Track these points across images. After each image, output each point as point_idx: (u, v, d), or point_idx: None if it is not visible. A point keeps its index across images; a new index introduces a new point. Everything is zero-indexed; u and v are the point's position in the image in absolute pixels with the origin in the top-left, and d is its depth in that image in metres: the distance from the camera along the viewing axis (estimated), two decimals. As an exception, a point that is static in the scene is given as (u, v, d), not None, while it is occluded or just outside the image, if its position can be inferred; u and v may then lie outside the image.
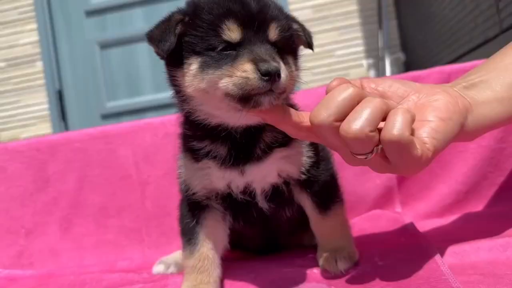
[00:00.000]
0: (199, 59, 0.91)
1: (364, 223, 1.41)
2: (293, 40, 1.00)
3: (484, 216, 1.36)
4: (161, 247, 1.57)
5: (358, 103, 0.81)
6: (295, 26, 1.01)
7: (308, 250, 1.21)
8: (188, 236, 1.08)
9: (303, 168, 1.06)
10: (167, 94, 3.88)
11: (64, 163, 1.63)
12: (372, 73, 4.58)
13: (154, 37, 0.95)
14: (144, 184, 1.60)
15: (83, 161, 1.62)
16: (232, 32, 0.89)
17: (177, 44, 0.93)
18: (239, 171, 1.03)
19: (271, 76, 0.83)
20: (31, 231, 1.62)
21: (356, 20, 4.75)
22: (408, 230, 1.23)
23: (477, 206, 1.45)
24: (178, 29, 0.93)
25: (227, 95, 0.88)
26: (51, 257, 1.60)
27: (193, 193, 1.07)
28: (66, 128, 4.90)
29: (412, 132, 0.80)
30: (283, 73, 0.86)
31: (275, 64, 0.84)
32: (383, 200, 1.52)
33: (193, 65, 0.92)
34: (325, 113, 0.81)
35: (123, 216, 1.60)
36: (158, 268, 1.31)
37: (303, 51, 1.10)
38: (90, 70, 4.88)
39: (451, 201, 1.46)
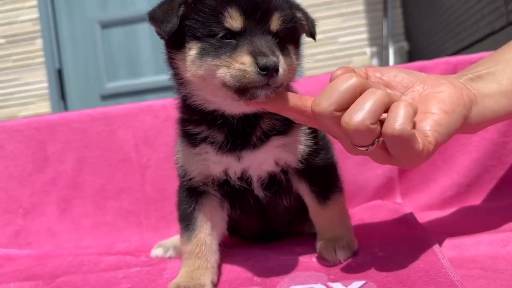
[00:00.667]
0: (199, 45, 0.90)
1: (364, 213, 1.41)
2: (295, 30, 0.99)
3: (484, 209, 1.36)
4: (160, 231, 1.57)
5: (360, 94, 0.80)
6: (298, 14, 1.00)
7: (307, 238, 1.20)
8: (186, 222, 1.08)
9: (301, 157, 1.05)
10: (167, 77, 3.86)
11: (63, 144, 1.61)
12: (375, 61, 4.55)
13: (156, 17, 0.94)
14: (144, 167, 1.59)
15: (83, 142, 1.61)
16: (233, 20, 0.88)
17: (179, 26, 0.92)
18: (235, 156, 1.02)
19: (269, 71, 0.83)
20: (29, 211, 1.62)
21: (360, 7, 4.70)
22: (408, 220, 1.23)
23: (478, 199, 1.45)
24: (181, 10, 0.92)
25: (224, 85, 0.87)
26: (48, 238, 1.60)
27: (190, 179, 1.07)
28: (65, 107, 4.87)
29: (414, 125, 0.80)
30: (281, 68, 0.85)
31: (273, 59, 0.84)
32: (384, 190, 1.51)
33: (192, 50, 0.91)
34: (327, 102, 0.80)
35: (122, 199, 1.60)
36: (156, 252, 1.31)
37: (305, 38, 1.09)
38: (90, 49, 4.84)
39: (452, 193, 1.46)
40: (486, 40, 2.78)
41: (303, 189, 1.10)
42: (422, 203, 1.48)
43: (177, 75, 1.00)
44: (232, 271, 1.09)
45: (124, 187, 1.60)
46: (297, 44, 1.02)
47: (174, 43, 0.95)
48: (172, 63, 0.99)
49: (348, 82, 0.80)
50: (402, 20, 4.64)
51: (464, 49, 3.16)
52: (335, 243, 1.06)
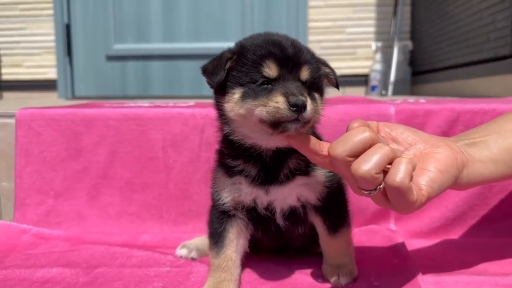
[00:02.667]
0: (241, 90, 1.10)
1: (362, 236, 1.61)
2: (320, 80, 1.19)
3: (465, 245, 1.58)
4: (179, 226, 1.76)
5: (370, 146, 0.98)
6: (326, 70, 1.21)
7: (314, 258, 1.41)
8: (216, 239, 1.27)
9: (320, 196, 1.25)
10: (175, 45, 4.05)
11: (98, 137, 1.76)
12: (378, 56, 4.68)
13: (207, 70, 1.15)
14: (170, 167, 1.76)
15: (116, 138, 1.76)
16: (270, 70, 1.08)
17: (225, 76, 1.13)
18: (264, 190, 1.22)
19: (298, 108, 1.02)
20: (60, 194, 1.78)
21: (372, 0, 4.77)
22: (401, 251, 1.44)
23: (460, 232, 1.66)
24: (228, 65, 1.12)
25: (261, 120, 1.06)
26: (77, 220, 1.77)
27: (223, 203, 1.26)
28: (71, 64, 4.92)
29: (411, 179, 0.97)
30: (309, 106, 1.04)
31: (302, 98, 1.03)
32: (380, 214, 1.71)
33: (236, 94, 1.11)
34: (342, 148, 0.97)
35: (147, 193, 1.77)
36: (181, 252, 1.50)
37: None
38: (100, 8, 4.84)
39: (439, 224, 1.67)
40: (488, 63, 2.93)
41: (317, 222, 1.30)
42: (412, 229, 1.69)
43: (222, 115, 1.19)
44: (250, 282, 1.30)
45: (149, 183, 1.77)
46: (321, 92, 1.21)
47: (221, 90, 1.15)
48: (218, 105, 1.18)
49: (362, 135, 0.98)
50: (410, 19, 4.74)
51: (465, 66, 3.31)
52: (339, 269, 1.28)
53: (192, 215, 1.74)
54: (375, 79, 4.62)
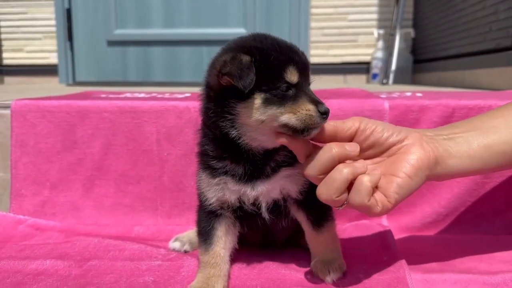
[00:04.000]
0: (263, 95, 1.11)
1: (353, 231, 1.62)
2: None
3: (456, 241, 1.58)
4: (173, 218, 1.77)
5: (339, 162, 1.07)
6: None
7: (303, 253, 1.42)
8: (204, 237, 1.30)
9: (302, 189, 1.27)
10: (176, 30, 4.04)
11: (92, 129, 1.77)
12: (380, 44, 4.64)
13: (233, 73, 1.08)
14: (164, 160, 1.76)
15: (110, 130, 1.76)
16: (293, 76, 1.11)
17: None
18: (250, 186, 1.23)
19: (327, 115, 1.09)
20: (56, 185, 1.79)
21: (375, -14, 4.73)
22: (391, 249, 1.45)
23: (452, 228, 1.67)
24: (254, 67, 1.10)
25: (285, 126, 1.10)
26: (72, 211, 1.79)
27: (209, 204, 1.28)
28: (72, 49, 4.91)
29: (375, 189, 1.07)
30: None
31: (326, 106, 1.10)
32: (373, 209, 1.72)
33: (257, 100, 1.11)
34: (312, 170, 1.10)
35: (141, 185, 1.78)
36: (174, 245, 1.52)
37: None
38: (101, -7, 4.82)
39: (431, 220, 1.68)
40: (489, 55, 2.91)
41: (301, 218, 1.32)
42: (404, 224, 1.69)
43: (229, 119, 1.15)
44: (240, 278, 1.31)
45: (144, 175, 1.78)
46: None
47: (237, 95, 1.11)
48: (232, 110, 1.14)
49: (328, 153, 1.07)
50: (412, 6, 4.70)
51: (467, 56, 3.29)
52: (329, 265, 1.29)
53: (186, 208, 1.76)
54: (376, 67, 4.59)
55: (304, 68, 1.14)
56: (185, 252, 1.50)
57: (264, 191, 1.24)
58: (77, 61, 4.94)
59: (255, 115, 1.11)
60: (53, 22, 4.95)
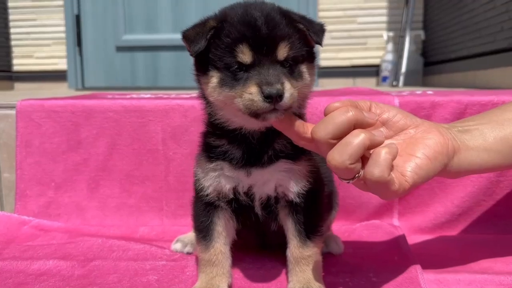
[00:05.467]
0: (219, 75, 1.03)
1: (363, 231, 1.58)
2: (304, 50, 1.08)
3: (470, 241, 1.53)
4: (178, 218, 1.74)
5: (354, 127, 0.93)
6: (300, 26, 1.07)
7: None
8: (203, 233, 1.21)
9: (300, 190, 1.15)
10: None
11: (97, 129, 1.75)
12: (390, 46, 4.59)
13: (188, 36, 1.06)
14: (169, 159, 1.74)
15: (115, 130, 1.74)
16: (244, 55, 1.01)
17: (205, 53, 1.05)
18: (246, 172, 1.14)
19: (273, 98, 0.95)
20: (61, 186, 1.77)
21: (384, -11, 4.69)
22: (402, 249, 1.40)
23: (466, 228, 1.62)
24: (210, 34, 1.04)
25: (240, 110, 1.01)
26: (76, 211, 1.77)
27: (206, 194, 1.19)
28: (81, 54, 4.93)
29: (392, 168, 0.92)
30: (287, 93, 0.97)
31: (277, 86, 0.96)
32: (383, 208, 1.67)
33: (213, 79, 1.04)
34: (324, 131, 0.93)
35: (146, 185, 1.75)
36: (176, 246, 1.48)
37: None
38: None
39: (444, 220, 1.62)
40: (501, 54, 2.84)
41: (288, 225, 1.18)
42: (416, 224, 1.64)
43: (203, 95, 1.14)
44: (246, 278, 1.28)
45: (149, 175, 1.75)
46: (311, 58, 1.11)
47: (201, 68, 1.08)
48: (199, 85, 1.12)
49: (344, 116, 0.93)
50: (422, 8, 4.64)
51: (478, 56, 3.23)
52: None
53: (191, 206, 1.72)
54: (386, 69, 4.54)
55: (263, 45, 1.00)
56: (188, 253, 1.46)
57: (259, 181, 1.15)
58: (86, 67, 4.96)
59: (214, 95, 1.05)
60: (62, 28, 4.97)
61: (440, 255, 1.44)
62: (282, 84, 0.97)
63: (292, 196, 1.16)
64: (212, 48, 1.04)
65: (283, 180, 1.16)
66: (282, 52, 1.02)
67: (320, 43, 1.09)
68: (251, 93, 0.97)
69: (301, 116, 1.15)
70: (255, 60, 1.00)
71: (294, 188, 1.15)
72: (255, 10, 1.05)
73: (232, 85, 1.01)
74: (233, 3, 1.12)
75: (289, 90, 0.98)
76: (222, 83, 1.02)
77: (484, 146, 1.11)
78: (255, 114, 0.98)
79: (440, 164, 1.02)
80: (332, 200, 1.44)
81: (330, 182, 1.42)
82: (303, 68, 1.07)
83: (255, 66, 1.00)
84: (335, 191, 1.48)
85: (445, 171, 1.06)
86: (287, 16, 1.07)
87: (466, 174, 1.15)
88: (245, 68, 1.01)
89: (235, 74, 1.01)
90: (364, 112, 0.97)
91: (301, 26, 1.07)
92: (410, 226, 1.65)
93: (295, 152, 1.13)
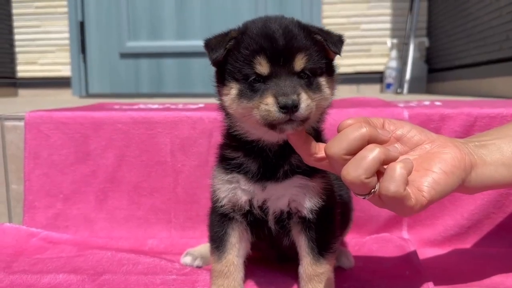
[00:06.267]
0: (238, 86, 1.05)
1: (373, 244, 1.57)
2: (323, 61, 1.08)
3: (480, 255, 1.53)
4: (187, 230, 1.74)
5: (368, 143, 0.93)
6: (318, 37, 1.07)
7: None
8: (217, 244, 1.22)
9: (314, 206, 1.15)
10: (188, 42, 4.01)
11: (106, 141, 1.74)
12: (394, 53, 4.60)
13: (209, 44, 1.09)
14: (178, 171, 1.73)
15: (124, 142, 1.74)
16: (261, 67, 1.02)
17: (225, 65, 1.07)
18: (261, 185, 1.15)
19: (288, 109, 0.96)
20: (69, 198, 1.77)
21: (388, -4, 4.70)
22: (413, 263, 1.39)
23: (475, 241, 1.61)
24: (229, 44, 1.06)
25: (258, 122, 1.02)
26: (85, 224, 1.76)
27: (221, 205, 1.20)
28: (85, 61, 4.94)
29: (408, 183, 0.90)
30: (304, 104, 0.98)
31: (293, 97, 0.96)
32: (393, 221, 1.66)
33: (233, 90, 1.06)
34: (338, 147, 0.93)
35: (155, 197, 1.75)
36: (185, 259, 1.48)
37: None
38: (114, 5, 4.86)
39: (454, 233, 1.62)
40: (507, 63, 2.84)
41: (301, 241, 1.18)
42: (426, 237, 1.64)
43: (222, 107, 1.14)
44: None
45: (157, 187, 1.75)
46: (330, 72, 1.11)
47: (221, 80, 1.10)
48: (219, 95, 1.13)
49: (358, 132, 0.92)
50: (426, 15, 4.65)
51: (483, 65, 3.23)
52: None
53: (200, 220, 1.72)
54: (390, 76, 4.54)
55: (280, 56, 1.01)
56: (197, 267, 1.45)
57: (273, 195, 1.15)
58: (90, 74, 4.97)
59: (233, 106, 1.06)
60: (66, 35, 4.99)
61: (450, 269, 1.43)
62: (299, 95, 0.98)
63: (305, 212, 1.16)
64: (232, 59, 1.06)
65: (297, 196, 1.15)
66: (299, 63, 1.03)
67: (338, 53, 1.09)
68: (267, 104, 0.98)
69: (319, 132, 1.17)
70: (272, 71, 1.02)
71: (308, 204, 1.15)
72: (273, 23, 1.07)
73: (250, 96, 1.02)
74: (256, 17, 1.14)
75: (305, 101, 0.98)
76: (240, 95, 1.04)
77: (502, 160, 1.09)
78: (272, 125, 0.99)
79: (457, 179, 1.00)
80: (347, 217, 1.44)
81: (346, 198, 1.41)
82: (322, 81, 1.08)
83: (272, 78, 1.01)
84: (351, 207, 1.48)
85: (463, 187, 1.04)
86: (305, 28, 1.08)
87: (484, 190, 1.13)
88: (263, 79, 1.02)
89: (253, 86, 1.03)
90: (377, 129, 0.97)
91: (318, 37, 1.07)
92: (420, 239, 1.64)
93: (311, 169, 1.12)
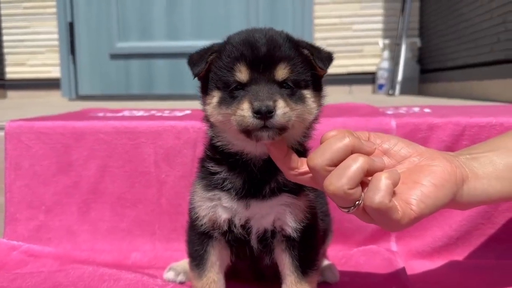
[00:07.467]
0: (219, 94, 1.03)
1: (360, 257, 1.54)
2: (309, 75, 1.05)
3: (469, 267, 1.50)
4: (171, 242, 1.70)
5: (352, 154, 0.89)
6: (305, 51, 1.05)
7: None
8: (197, 261, 1.19)
9: (299, 225, 1.12)
10: (179, 43, 3.97)
11: (88, 151, 1.71)
12: (386, 53, 4.58)
13: (191, 60, 1.09)
14: (162, 182, 1.70)
15: (106, 152, 1.70)
16: (241, 73, 1.00)
17: (207, 71, 1.07)
18: (245, 203, 1.11)
19: (262, 114, 0.93)
20: (51, 209, 1.73)
21: (380, -4, 4.67)
22: (401, 277, 1.37)
23: (464, 253, 1.59)
24: (210, 58, 1.05)
25: (235, 129, 0.99)
26: (67, 236, 1.72)
27: (201, 224, 1.16)
28: (74, 62, 4.88)
29: (394, 195, 0.87)
30: (280, 111, 0.94)
31: (268, 103, 0.93)
32: (381, 232, 1.63)
33: (214, 98, 1.04)
34: (320, 158, 0.89)
35: (138, 208, 1.71)
36: (168, 275, 1.44)
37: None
38: (104, 6, 4.79)
39: (442, 244, 1.59)
40: (499, 66, 2.82)
41: (284, 260, 1.15)
42: (414, 249, 1.61)
43: (206, 118, 1.12)
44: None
45: (141, 198, 1.71)
46: (318, 87, 1.08)
47: (204, 90, 1.09)
48: (203, 106, 1.11)
49: (342, 142, 0.89)
50: (418, 15, 4.63)
51: (475, 67, 3.21)
52: None
53: (185, 232, 1.68)
54: (382, 77, 4.52)
55: (260, 63, 0.99)
56: (180, 283, 1.42)
57: (257, 214, 1.11)
58: (79, 75, 4.91)
59: (214, 114, 1.04)
60: (55, 36, 4.93)
61: (439, 282, 1.41)
62: (275, 101, 0.95)
63: (289, 231, 1.12)
64: (214, 68, 1.05)
65: (282, 214, 1.12)
66: (281, 72, 1.00)
67: (324, 69, 1.06)
68: (242, 109, 0.96)
69: (305, 149, 1.13)
70: (251, 78, 1.00)
71: (292, 223, 1.12)
72: (258, 33, 1.06)
73: (229, 103, 1.00)
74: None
75: (282, 108, 0.95)
76: (221, 102, 1.02)
77: (496, 174, 1.05)
78: (247, 132, 0.97)
79: (449, 193, 0.95)
80: (326, 231, 1.40)
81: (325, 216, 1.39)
82: (306, 94, 1.04)
83: (251, 85, 0.99)
84: (328, 219, 1.44)
85: (455, 202, 1.00)
86: (293, 41, 1.06)
87: (477, 205, 1.10)
88: (242, 86, 1.00)
89: (233, 93, 1.01)
90: (362, 140, 0.93)
91: (306, 51, 1.05)
92: (408, 250, 1.62)
93: (297, 187, 1.10)
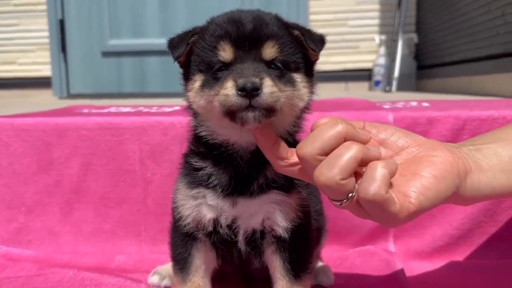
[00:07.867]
0: (202, 77, 0.96)
1: (356, 258, 1.47)
2: (300, 56, 0.97)
3: (470, 267, 1.43)
4: (158, 244, 1.61)
5: (346, 141, 0.81)
6: (295, 32, 0.97)
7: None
8: (181, 265, 1.12)
9: (290, 224, 1.04)
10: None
11: (70, 148, 1.62)
12: (382, 49, 4.51)
13: (172, 43, 1.02)
14: (148, 181, 1.62)
15: (89, 149, 1.62)
16: (225, 52, 0.93)
17: (188, 56, 1.00)
18: (231, 201, 1.02)
19: (247, 91, 0.85)
20: (32, 210, 1.65)
21: (376, -9, 4.60)
22: (399, 279, 1.29)
23: (466, 253, 1.51)
24: (191, 40, 0.98)
25: (218, 112, 0.91)
26: (49, 237, 1.64)
27: (184, 224, 1.09)
28: (65, 61, 4.80)
29: (391, 186, 0.79)
30: (267, 89, 0.87)
31: (253, 79, 0.85)
32: (378, 232, 1.56)
33: (196, 82, 0.97)
34: (310, 146, 0.81)
35: (123, 208, 1.63)
36: (152, 279, 1.36)
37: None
38: (95, 2, 4.72)
39: (443, 243, 1.52)
40: (497, 60, 2.75)
41: (275, 263, 1.08)
42: (413, 249, 1.54)
43: (189, 106, 1.04)
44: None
45: (126, 198, 1.63)
46: (309, 72, 1.00)
47: (186, 76, 1.02)
48: (185, 93, 1.03)
49: (334, 129, 0.81)
50: (415, 10, 4.56)
51: (473, 61, 3.14)
52: None
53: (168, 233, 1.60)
54: (378, 74, 4.45)
55: (245, 41, 0.92)
56: (165, 287, 1.34)
57: (245, 213, 1.03)
58: (71, 73, 4.82)
59: (196, 100, 0.97)
60: (46, 34, 4.83)
61: (439, 283, 1.34)
62: (261, 79, 0.87)
63: (280, 231, 1.04)
64: (197, 50, 0.98)
65: (272, 213, 1.03)
66: (269, 51, 0.93)
67: (316, 51, 0.98)
68: (226, 88, 0.88)
69: (295, 141, 1.03)
70: (236, 57, 0.92)
71: (283, 223, 1.03)
72: (244, 12, 0.99)
73: (212, 85, 0.93)
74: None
75: (269, 86, 0.87)
76: (203, 85, 0.95)
77: (501, 166, 0.95)
78: (231, 113, 0.88)
79: (450, 185, 0.85)
80: (320, 231, 1.32)
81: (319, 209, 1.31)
82: (297, 77, 0.96)
83: (236, 64, 0.92)
84: (322, 219, 1.36)
85: (458, 196, 0.90)
86: (281, 20, 0.99)
87: (482, 200, 0.99)
88: (227, 66, 0.93)
89: (216, 75, 0.93)
90: (356, 128, 0.85)
91: (296, 32, 0.97)
92: (407, 250, 1.54)
93: (288, 183, 1.02)
